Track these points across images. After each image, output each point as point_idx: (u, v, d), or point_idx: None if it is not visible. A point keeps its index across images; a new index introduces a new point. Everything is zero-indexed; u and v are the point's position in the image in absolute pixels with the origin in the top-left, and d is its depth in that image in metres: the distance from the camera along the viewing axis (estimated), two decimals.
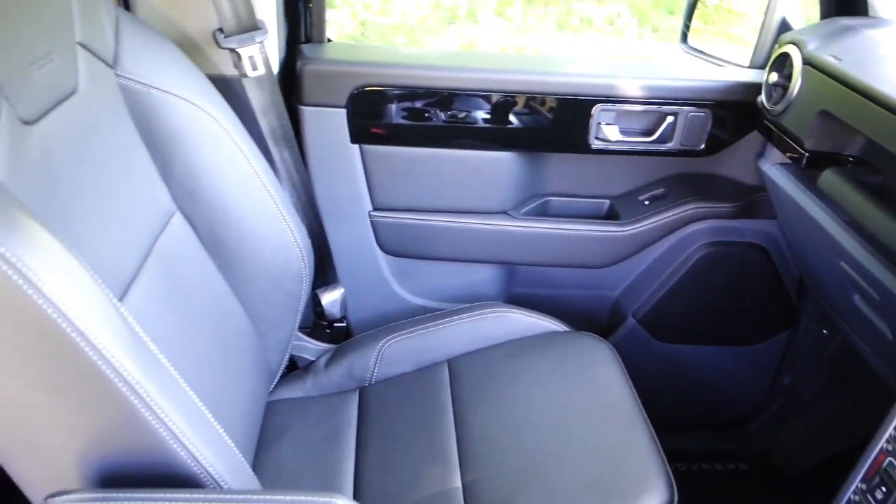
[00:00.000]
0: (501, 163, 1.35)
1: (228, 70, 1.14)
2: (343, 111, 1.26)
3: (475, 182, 1.36)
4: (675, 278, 1.44)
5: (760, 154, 1.34)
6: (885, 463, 0.80)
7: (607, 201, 1.45)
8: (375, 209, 1.37)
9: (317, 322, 1.38)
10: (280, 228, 1.08)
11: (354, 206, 1.36)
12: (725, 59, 1.41)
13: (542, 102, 1.29)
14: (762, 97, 1.24)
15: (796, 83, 1.14)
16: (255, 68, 1.11)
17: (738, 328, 1.50)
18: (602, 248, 1.41)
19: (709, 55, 1.43)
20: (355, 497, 1.01)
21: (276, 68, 1.20)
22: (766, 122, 1.24)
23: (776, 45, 1.24)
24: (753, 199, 1.39)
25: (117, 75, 0.91)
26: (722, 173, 1.43)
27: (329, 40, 1.33)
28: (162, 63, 0.96)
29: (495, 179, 1.36)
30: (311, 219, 1.28)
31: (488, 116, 1.29)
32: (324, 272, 1.34)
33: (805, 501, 1.50)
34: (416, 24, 4.34)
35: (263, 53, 1.11)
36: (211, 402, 0.75)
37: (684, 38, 1.49)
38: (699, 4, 1.49)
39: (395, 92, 1.26)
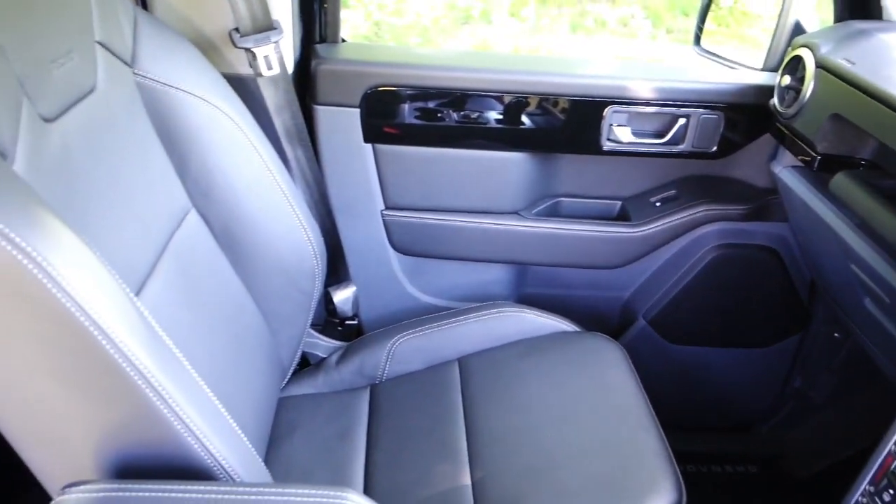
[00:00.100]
0: (513, 163, 1.35)
1: (244, 69, 1.15)
2: (356, 111, 1.27)
3: (487, 182, 1.36)
4: (685, 280, 1.44)
5: (772, 157, 1.33)
6: (894, 465, 0.80)
7: (619, 202, 1.45)
8: (388, 208, 1.38)
9: (329, 319, 1.39)
10: (293, 226, 1.09)
11: (367, 205, 1.37)
12: (738, 61, 1.41)
13: (555, 103, 1.29)
14: (775, 100, 1.24)
15: (809, 86, 1.14)
16: (270, 68, 1.12)
17: (749, 330, 1.50)
18: (613, 249, 1.41)
19: (722, 58, 1.43)
20: (365, 492, 1.02)
21: (290, 68, 1.21)
22: (778, 124, 1.24)
23: (789, 48, 1.24)
24: (765, 201, 1.39)
25: (135, 74, 0.92)
26: (734, 176, 1.42)
27: (343, 40, 1.34)
28: (179, 62, 0.98)
29: (507, 180, 1.37)
30: (323, 217, 1.29)
31: (500, 117, 1.30)
32: (336, 270, 1.35)
33: None
34: (429, 25, 4.34)
35: (278, 53, 1.12)
36: (224, 396, 0.76)
37: (697, 40, 1.49)
38: (713, 6, 1.48)
39: (408, 92, 1.27)
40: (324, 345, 1.33)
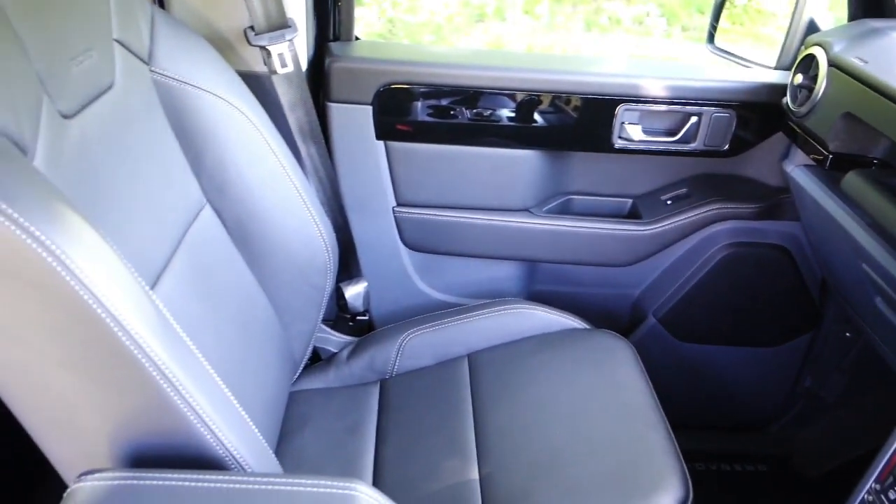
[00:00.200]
0: (524, 161, 1.36)
1: (258, 67, 1.16)
2: (369, 108, 1.28)
3: (498, 179, 1.37)
4: (696, 278, 1.44)
5: (784, 155, 1.33)
6: None
7: (630, 200, 1.45)
8: (399, 205, 1.39)
9: (340, 315, 1.40)
10: (306, 222, 1.10)
11: (379, 202, 1.38)
12: (752, 59, 1.41)
13: (566, 101, 1.29)
14: (787, 98, 1.24)
15: (821, 85, 1.14)
16: (284, 65, 1.13)
17: (760, 329, 1.50)
18: (624, 247, 1.41)
19: (735, 56, 1.43)
20: (375, 486, 1.02)
21: (304, 65, 1.22)
22: (790, 123, 1.24)
23: (802, 47, 1.24)
24: (777, 200, 1.39)
25: (152, 71, 0.94)
26: (745, 174, 1.42)
27: (357, 38, 1.35)
28: (195, 60, 0.99)
29: (518, 177, 1.37)
30: (336, 213, 1.30)
31: (512, 115, 1.30)
32: (348, 266, 1.37)
33: None
34: (443, 22, 4.35)
35: (293, 51, 1.14)
36: (236, 388, 0.77)
37: (711, 38, 1.49)
38: (727, 4, 1.48)
39: (421, 90, 1.28)
40: (335, 340, 1.34)
